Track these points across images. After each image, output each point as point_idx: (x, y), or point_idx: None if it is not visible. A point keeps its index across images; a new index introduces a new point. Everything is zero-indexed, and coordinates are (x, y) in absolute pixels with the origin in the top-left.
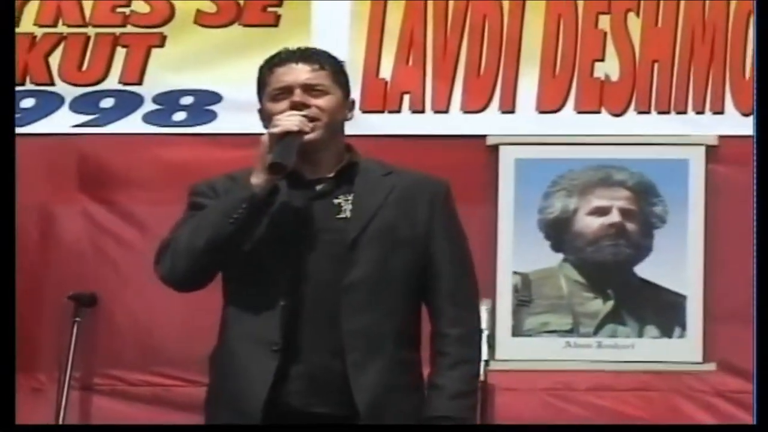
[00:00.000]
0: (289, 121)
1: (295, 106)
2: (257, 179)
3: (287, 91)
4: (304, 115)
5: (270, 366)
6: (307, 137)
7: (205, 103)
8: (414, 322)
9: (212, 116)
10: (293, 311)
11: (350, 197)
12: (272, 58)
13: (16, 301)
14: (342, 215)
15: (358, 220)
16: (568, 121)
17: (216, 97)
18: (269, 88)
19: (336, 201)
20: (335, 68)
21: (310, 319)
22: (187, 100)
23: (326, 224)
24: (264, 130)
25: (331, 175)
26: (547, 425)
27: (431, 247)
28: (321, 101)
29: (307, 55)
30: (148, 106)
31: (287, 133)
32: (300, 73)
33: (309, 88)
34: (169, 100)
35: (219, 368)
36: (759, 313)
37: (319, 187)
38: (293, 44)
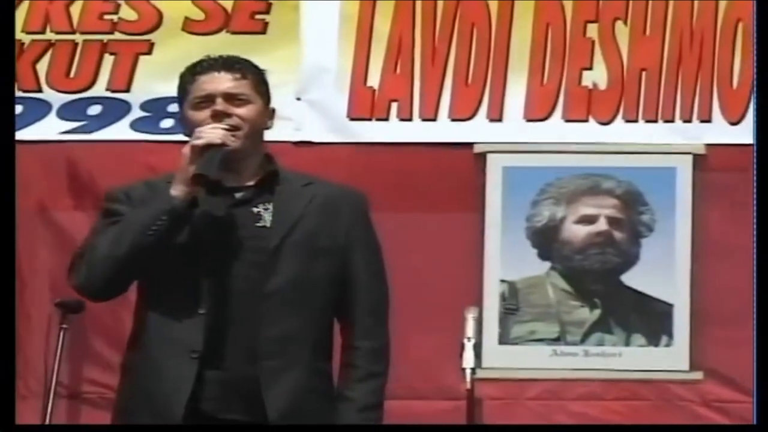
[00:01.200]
0: (212, 133)
1: (217, 115)
2: (177, 191)
3: (209, 99)
4: (226, 127)
5: (190, 372)
6: (229, 148)
7: None
8: (329, 333)
9: None
10: (213, 318)
11: (270, 206)
12: (194, 65)
13: (15, 303)
14: (261, 223)
15: (279, 228)
16: (556, 129)
17: None
18: (191, 96)
19: (255, 210)
20: (257, 77)
21: (229, 326)
22: (175, 108)
23: (246, 232)
24: (185, 138)
25: (251, 183)
26: (547, 425)
27: (350, 258)
28: (242, 110)
29: (229, 64)
30: (136, 113)
31: (210, 146)
32: (222, 81)
33: (231, 97)
34: (156, 108)
35: (136, 373)
36: (759, 314)
37: (239, 195)
38: (281, 51)
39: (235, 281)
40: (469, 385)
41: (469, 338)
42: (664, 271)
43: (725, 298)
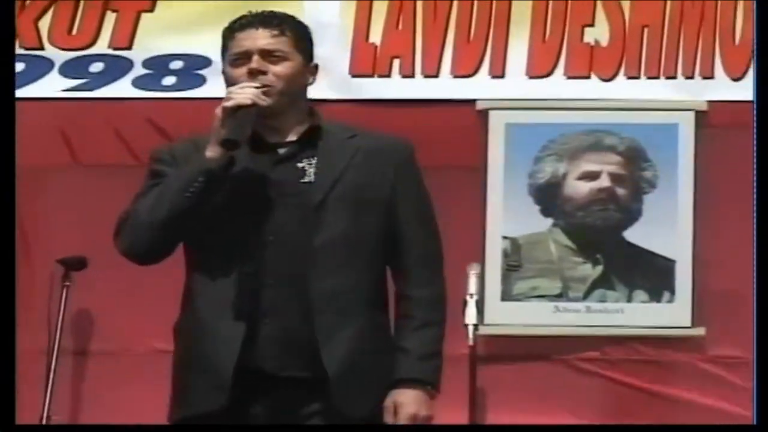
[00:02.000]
0: (241, 94)
1: (252, 73)
2: (212, 153)
3: (245, 56)
4: (259, 85)
5: (238, 331)
6: (261, 106)
7: (194, 67)
8: (382, 284)
9: (202, 81)
10: (260, 276)
11: (314, 161)
12: (234, 22)
13: (15, 302)
14: (306, 179)
15: (323, 183)
16: (558, 86)
17: (206, 62)
18: (229, 53)
19: (300, 165)
20: (297, 33)
21: (277, 283)
22: (176, 65)
23: (290, 188)
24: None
25: (294, 139)
26: (547, 425)
27: (397, 209)
28: (279, 68)
29: (268, 20)
30: (138, 70)
31: (240, 107)
32: (259, 38)
33: (267, 54)
34: (158, 65)
35: (186, 336)
36: (759, 314)
37: (282, 152)
38: (284, 8)
39: (282, 238)
40: (471, 341)
41: (471, 294)
42: (666, 228)
43: (728, 254)
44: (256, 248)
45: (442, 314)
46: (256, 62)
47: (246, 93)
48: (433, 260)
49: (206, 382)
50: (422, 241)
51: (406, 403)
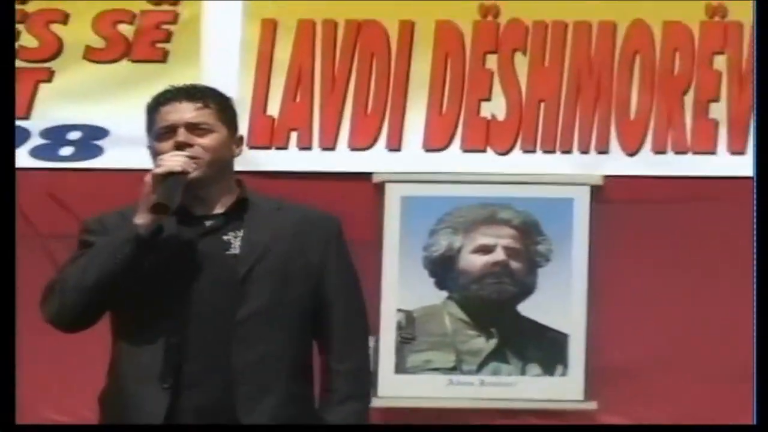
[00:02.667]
0: (172, 161)
1: (179, 146)
2: (141, 219)
3: (171, 129)
4: (188, 156)
5: (161, 403)
6: (190, 176)
7: (92, 137)
8: (306, 356)
9: (99, 151)
10: (184, 348)
11: (240, 233)
12: (158, 96)
13: (16, 302)
14: (232, 251)
15: (248, 255)
16: (455, 158)
17: (103, 132)
18: (155, 127)
19: (225, 237)
20: (220, 105)
21: (201, 355)
22: (74, 135)
23: (216, 260)
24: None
25: (221, 211)
26: (547, 425)
27: (324, 282)
28: (205, 140)
29: (191, 93)
30: (36, 140)
31: (170, 174)
32: (184, 111)
33: (193, 127)
34: (56, 135)
35: (110, 407)
36: (759, 311)
37: (208, 224)
38: (182, 79)
39: (206, 310)
40: None
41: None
42: (560, 301)
43: (620, 328)
44: (180, 319)
45: (364, 388)
46: (182, 135)
47: (176, 160)
48: (357, 334)
49: None
50: (347, 314)
51: None
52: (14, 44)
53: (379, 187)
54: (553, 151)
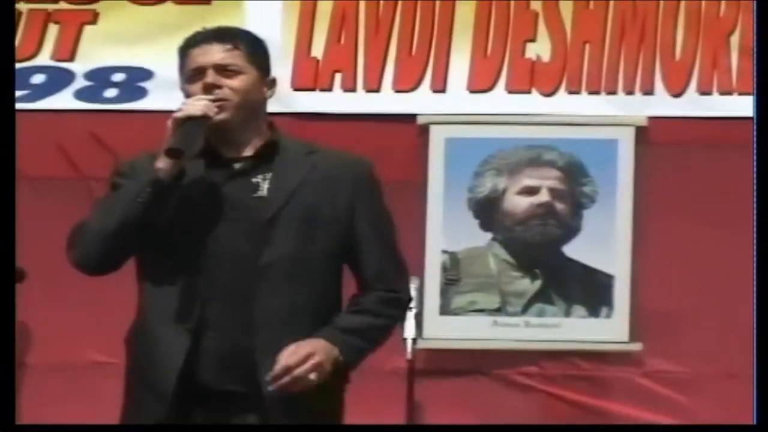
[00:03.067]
0: (192, 106)
1: (207, 88)
2: (162, 163)
3: (201, 71)
4: (214, 99)
5: (183, 345)
6: (217, 118)
7: (136, 79)
8: (331, 307)
9: (143, 93)
10: (208, 290)
11: (269, 176)
12: (189, 38)
13: (15, 301)
14: (259, 194)
15: (276, 198)
16: (499, 100)
17: (147, 74)
18: (185, 69)
19: (254, 180)
20: (251, 47)
21: (224, 298)
22: (118, 77)
23: (243, 203)
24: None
25: (250, 154)
26: (547, 425)
27: (354, 227)
28: (233, 81)
29: (221, 35)
30: (80, 82)
31: (189, 118)
32: (213, 53)
33: (221, 69)
34: (100, 77)
35: (134, 349)
36: (759, 311)
37: (237, 166)
38: (225, 21)
39: (231, 253)
40: (410, 356)
41: (410, 308)
42: (605, 243)
43: (666, 270)
44: (205, 262)
45: (390, 312)
46: (210, 77)
47: (197, 105)
48: (393, 279)
49: (150, 394)
50: (381, 259)
51: (304, 344)
52: None
53: (424, 129)
54: (598, 93)
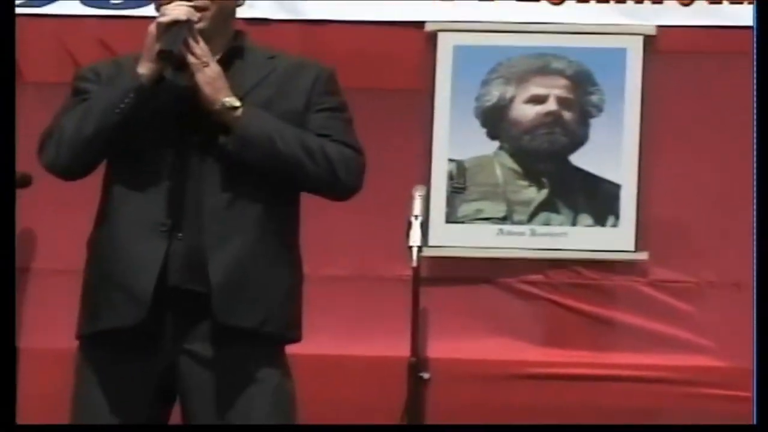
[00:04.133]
0: (177, 10)
1: None
2: (144, 69)
3: None
4: (190, 3)
5: (160, 247)
6: (196, 26)
7: None
8: (280, 202)
9: None
10: (178, 191)
11: (229, 77)
12: None
13: (16, 302)
14: None
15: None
16: (508, 8)
17: None
18: None
19: None
20: None
21: (190, 196)
22: None
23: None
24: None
25: (216, 58)
26: (547, 425)
27: (308, 119)
28: None
29: None
30: None
31: (175, 22)
32: None
33: None
34: None
35: (103, 251)
36: (759, 309)
37: None
38: None
39: (189, 153)
40: (415, 263)
41: (416, 216)
42: (612, 152)
43: (672, 180)
44: (173, 163)
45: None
46: None
47: (181, 9)
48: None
49: (124, 296)
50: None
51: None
52: None
53: (432, 37)
54: (606, 1)
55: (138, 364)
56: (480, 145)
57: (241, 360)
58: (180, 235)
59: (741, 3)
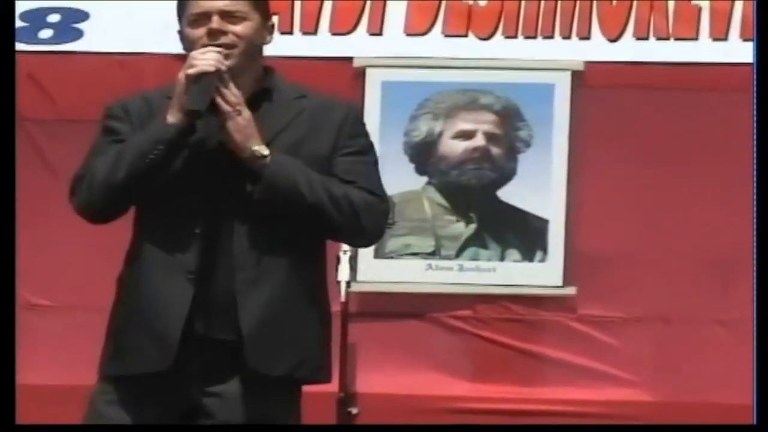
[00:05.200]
0: (204, 60)
1: (212, 33)
2: (174, 119)
3: (205, 17)
4: (219, 45)
5: (187, 294)
6: (224, 70)
7: (72, 21)
8: (314, 241)
9: (79, 34)
10: (207, 238)
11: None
12: None
13: (16, 302)
14: None
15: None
16: (436, 44)
17: (83, 15)
18: (188, 13)
19: None
20: None
21: (220, 244)
22: (54, 18)
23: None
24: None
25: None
26: (547, 425)
27: (335, 163)
28: (238, 28)
29: None
30: (16, 23)
31: (203, 74)
32: None
33: (227, 15)
34: (35, 17)
35: (133, 289)
36: (759, 307)
37: None
38: None
39: (220, 198)
40: (343, 298)
41: (344, 251)
42: (540, 187)
43: (600, 215)
44: (204, 209)
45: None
46: (216, 23)
47: (208, 59)
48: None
49: (151, 342)
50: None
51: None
52: None
53: (360, 72)
54: (534, 37)
55: (160, 406)
56: (408, 180)
57: (268, 402)
58: (208, 281)
59: (667, 39)
